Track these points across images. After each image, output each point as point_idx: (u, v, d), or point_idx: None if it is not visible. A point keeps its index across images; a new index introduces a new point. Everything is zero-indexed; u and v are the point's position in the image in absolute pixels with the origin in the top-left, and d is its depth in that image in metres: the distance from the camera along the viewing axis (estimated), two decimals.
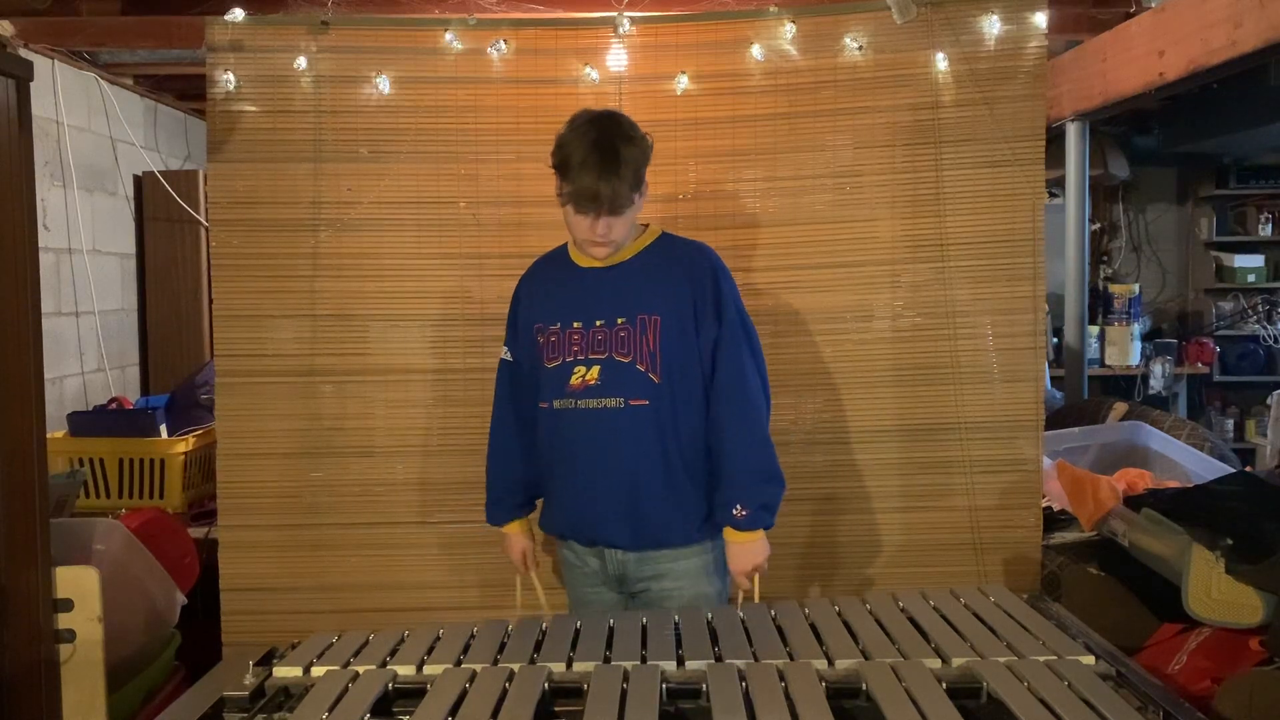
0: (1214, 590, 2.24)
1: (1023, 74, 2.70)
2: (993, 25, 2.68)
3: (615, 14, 2.74)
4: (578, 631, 1.85)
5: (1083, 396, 4.53)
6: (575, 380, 2.15)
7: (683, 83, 2.74)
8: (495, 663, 1.73)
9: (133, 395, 4.27)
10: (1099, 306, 5.91)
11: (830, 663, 1.68)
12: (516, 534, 2.36)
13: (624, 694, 1.55)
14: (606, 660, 1.71)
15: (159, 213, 4.45)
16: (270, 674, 1.72)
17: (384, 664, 1.73)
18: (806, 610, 1.92)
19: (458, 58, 2.76)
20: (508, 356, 2.33)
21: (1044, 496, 2.91)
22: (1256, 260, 6.18)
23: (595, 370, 2.15)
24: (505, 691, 1.57)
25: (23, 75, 2.34)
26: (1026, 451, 2.75)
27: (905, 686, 1.55)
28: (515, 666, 1.68)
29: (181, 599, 2.89)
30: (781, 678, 1.59)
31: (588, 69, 2.75)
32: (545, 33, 2.78)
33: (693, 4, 2.87)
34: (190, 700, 1.66)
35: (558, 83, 2.75)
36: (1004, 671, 1.61)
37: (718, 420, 2.16)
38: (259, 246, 2.79)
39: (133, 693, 2.64)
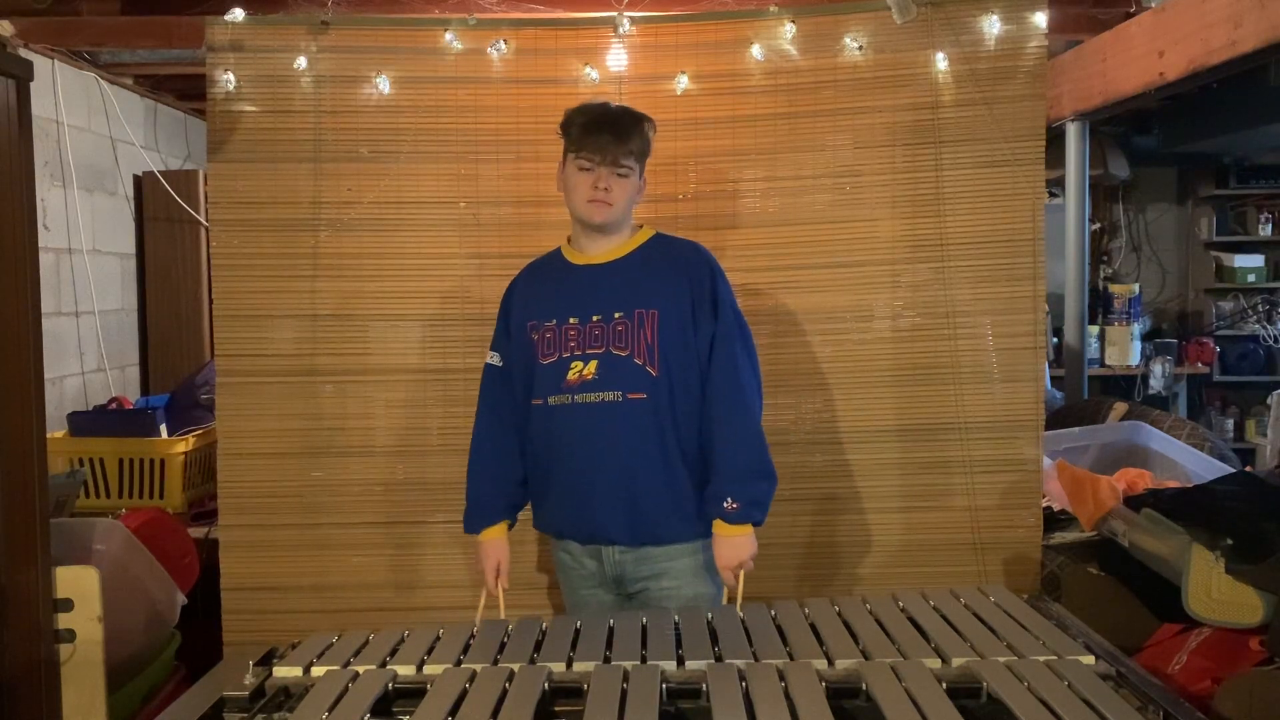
0: (1214, 590, 2.24)
1: (1023, 74, 2.70)
2: (993, 25, 2.68)
3: (615, 14, 2.74)
4: (578, 631, 1.85)
5: (1083, 396, 4.53)
6: (572, 375, 2.15)
7: (683, 83, 2.74)
8: (495, 663, 1.73)
9: (133, 395, 4.27)
10: (1099, 306, 5.91)
11: (830, 663, 1.68)
12: (494, 542, 2.28)
13: (624, 694, 1.55)
14: (606, 660, 1.70)
15: (159, 213, 4.45)
16: (270, 674, 1.72)
17: (384, 664, 1.73)
18: (806, 610, 1.92)
19: (458, 58, 2.76)
20: (495, 361, 2.32)
21: (1044, 496, 2.91)
22: (1256, 260, 6.18)
23: (592, 365, 2.15)
24: (505, 691, 1.57)
25: (23, 75, 2.34)
26: (1026, 451, 2.75)
27: (905, 686, 1.55)
28: (515, 666, 1.68)
29: (181, 599, 2.89)
30: (781, 678, 1.59)
31: (588, 69, 2.75)
32: (545, 33, 2.78)
33: (693, 4, 2.87)
34: (190, 700, 1.66)
35: (558, 83, 2.75)
36: (1004, 671, 1.61)
37: (710, 415, 2.17)
38: (259, 246, 2.79)
39: (133, 693, 2.64)
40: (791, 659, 1.70)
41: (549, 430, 2.21)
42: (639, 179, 2.22)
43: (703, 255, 2.25)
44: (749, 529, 2.15)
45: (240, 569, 2.80)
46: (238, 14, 2.74)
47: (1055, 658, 1.68)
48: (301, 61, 2.74)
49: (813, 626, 1.85)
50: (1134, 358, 5.88)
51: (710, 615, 1.91)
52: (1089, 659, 1.69)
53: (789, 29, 2.72)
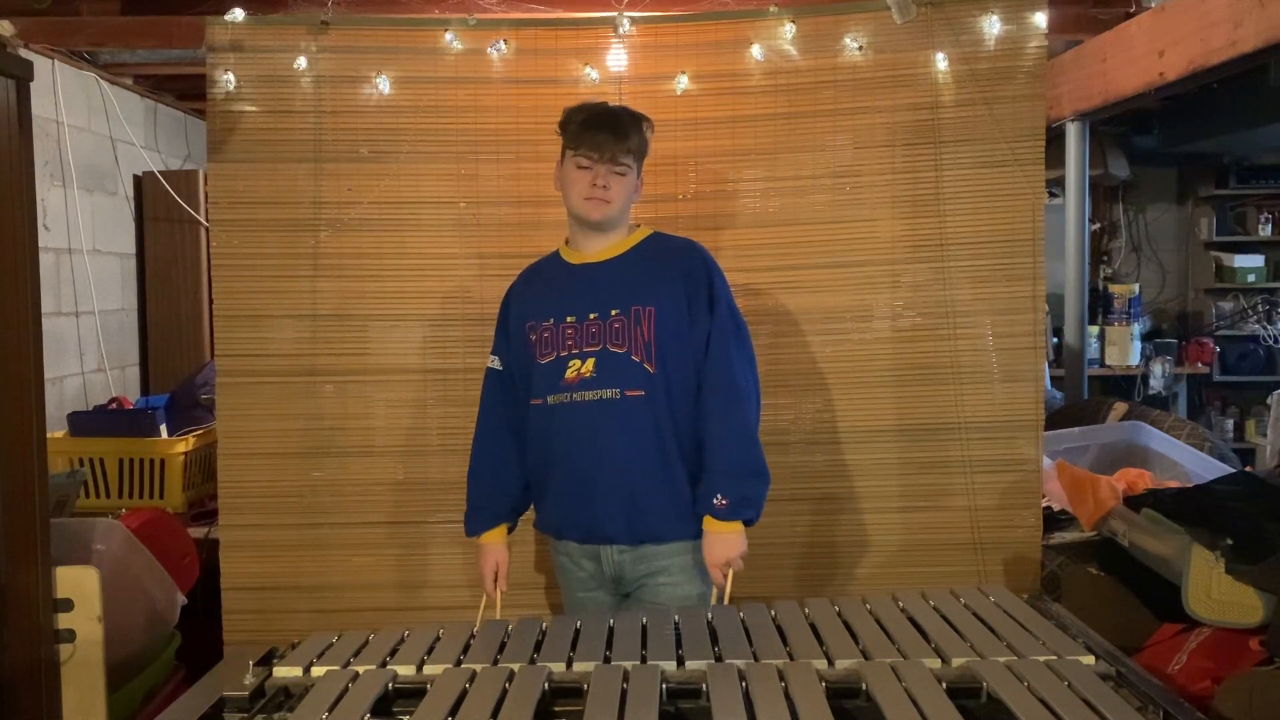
0: (1214, 590, 2.24)
1: (1023, 74, 2.70)
2: (993, 25, 2.68)
3: (615, 14, 2.74)
4: (578, 631, 1.85)
5: (1083, 396, 4.53)
6: (570, 374, 2.15)
7: (683, 83, 2.74)
8: (495, 663, 1.73)
9: (133, 395, 4.27)
10: (1099, 306, 5.91)
11: (830, 663, 1.68)
12: (494, 545, 2.29)
13: (624, 694, 1.55)
14: (606, 660, 1.70)
15: (159, 213, 4.46)
16: (270, 674, 1.72)
17: (384, 664, 1.73)
18: (806, 610, 1.92)
19: (458, 58, 2.76)
20: (496, 365, 2.32)
21: (1044, 496, 2.91)
22: (1256, 260, 6.18)
23: (590, 363, 2.15)
24: (505, 691, 1.57)
25: (23, 75, 2.34)
26: (1026, 451, 2.75)
27: (905, 686, 1.55)
28: (515, 666, 1.68)
29: (181, 599, 2.89)
30: (781, 678, 1.59)
31: (588, 69, 2.75)
32: (545, 33, 2.78)
33: (693, 4, 2.87)
34: (190, 700, 1.66)
35: (558, 83, 2.75)
36: (1004, 671, 1.61)
37: (705, 412, 2.16)
38: (259, 246, 2.79)
39: (133, 693, 2.64)
40: (791, 659, 1.70)
41: (548, 430, 2.20)
42: (636, 178, 2.23)
43: (699, 252, 2.26)
44: (739, 527, 2.15)
45: (240, 569, 2.80)
46: (238, 14, 2.74)
47: (1055, 658, 1.68)
48: (301, 61, 2.74)
49: (813, 626, 1.85)
50: (1134, 358, 5.88)
51: (710, 615, 1.91)
52: (1089, 659, 1.69)
53: (789, 29, 2.72)
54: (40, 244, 2.49)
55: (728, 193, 2.78)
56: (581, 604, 2.27)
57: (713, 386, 2.17)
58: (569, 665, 1.70)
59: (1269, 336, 6.15)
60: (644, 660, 1.70)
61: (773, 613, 1.92)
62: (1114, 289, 5.97)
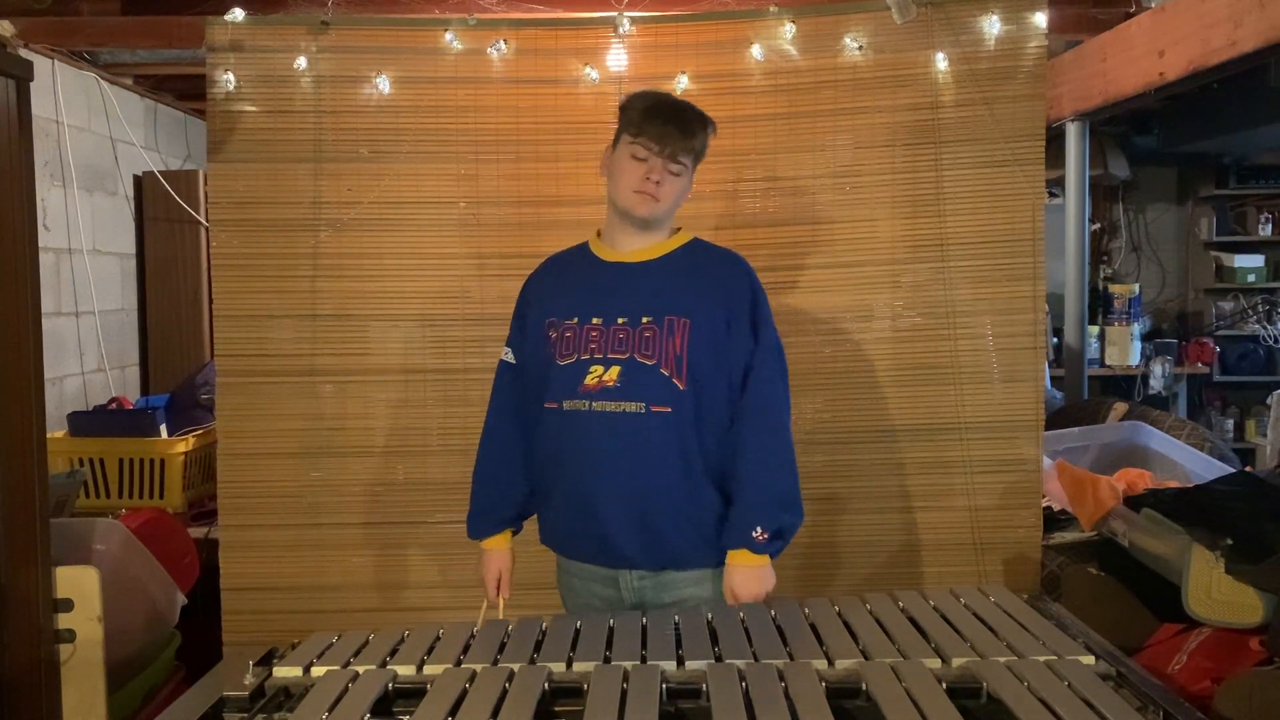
0: (1214, 590, 2.24)
1: (1023, 74, 2.70)
2: (992, 25, 2.68)
3: (615, 14, 2.74)
4: (578, 632, 1.84)
5: (1083, 396, 4.54)
6: (591, 380, 2.00)
7: (683, 83, 2.74)
8: (495, 663, 1.73)
9: (133, 395, 4.27)
10: (1099, 306, 5.91)
11: (830, 663, 1.68)
12: (498, 550, 2.18)
13: (624, 694, 1.55)
14: (606, 660, 1.70)
15: (159, 213, 4.46)
16: (270, 674, 1.71)
17: (384, 664, 1.73)
18: (806, 610, 1.92)
19: (458, 58, 2.76)
20: (509, 358, 2.17)
21: (1044, 496, 2.91)
22: (1256, 260, 6.18)
23: (615, 371, 1.99)
24: (505, 691, 1.57)
25: (23, 75, 2.34)
26: (1026, 451, 2.75)
27: (905, 686, 1.55)
28: (515, 666, 1.68)
29: (181, 599, 2.89)
30: (781, 678, 1.59)
31: (588, 69, 2.75)
32: (545, 33, 2.78)
33: (693, 4, 2.87)
34: (190, 700, 1.65)
35: (558, 83, 2.75)
36: (1004, 671, 1.61)
37: (744, 442, 2.02)
38: (259, 246, 2.79)
39: (133, 693, 2.64)
40: (791, 659, 1.69)
41: (560, 436, 2.05)
42: (689, 181, 2.08)
43: (744, 267, 2.11)
44: (768, 561, 2.02)
45: (240, 569, 2.80)
46: (238, 14, 2.74)
47: (1055, 658, 1.68)
48: (301, 61, 2.74)
49: (813, 626, 1.84)
50: (1134, 358, 5.88)
51: (710, 615, 1.91)
52: (1089, 659, 1.69)
53: (789, 29, 2.72)
54: (40, 244, 2.49)
55: (728, 193, 2.78)
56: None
57: (756, 414, 2.03)
58: (569, 665, 1.69)
59: (1269, 336, 6.15)
60: (644, 660, 1.70)
61: (773, 613, 1.92)
62: (1114, 289, 5.97)
